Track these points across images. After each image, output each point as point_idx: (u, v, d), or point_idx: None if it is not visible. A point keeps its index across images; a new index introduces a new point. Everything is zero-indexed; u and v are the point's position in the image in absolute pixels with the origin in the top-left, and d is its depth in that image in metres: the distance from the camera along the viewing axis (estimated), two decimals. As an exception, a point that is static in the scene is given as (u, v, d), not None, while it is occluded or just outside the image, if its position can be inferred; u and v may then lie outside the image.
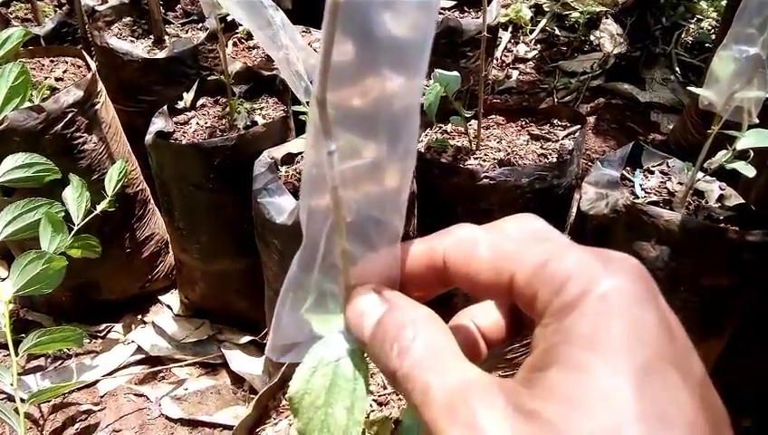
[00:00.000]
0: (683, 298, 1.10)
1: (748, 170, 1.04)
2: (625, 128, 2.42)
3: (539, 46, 2.86)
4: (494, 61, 2.78)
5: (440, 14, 1.82)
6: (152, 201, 1.67)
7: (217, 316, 1.61)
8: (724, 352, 1.20)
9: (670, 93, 2.52)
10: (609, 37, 2.79)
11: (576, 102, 2.52)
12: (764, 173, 1.26)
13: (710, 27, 2.86)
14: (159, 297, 1.72)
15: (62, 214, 1.34)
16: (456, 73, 1.27)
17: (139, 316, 1.68)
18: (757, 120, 0.99)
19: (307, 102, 1.17)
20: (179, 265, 1.59)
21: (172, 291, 1.75)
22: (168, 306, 1.70)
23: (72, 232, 1.34)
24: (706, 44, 2.74)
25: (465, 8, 1.90)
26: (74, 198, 1.36)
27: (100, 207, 1.40)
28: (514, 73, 2.72)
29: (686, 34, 2.82)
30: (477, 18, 1.77)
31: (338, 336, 0.57)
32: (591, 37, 2.83)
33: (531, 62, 2.80)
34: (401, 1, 0.45)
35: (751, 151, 1.06)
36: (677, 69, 2.62)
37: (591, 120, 2.45)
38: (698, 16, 2.90)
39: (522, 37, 2.91)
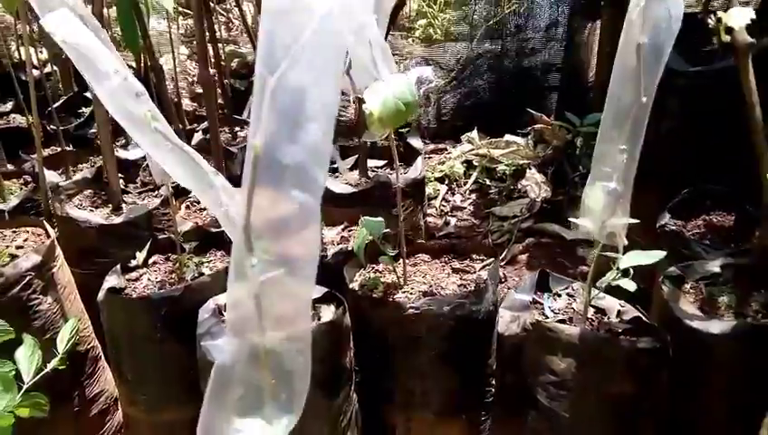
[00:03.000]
0: (594, 408, 1.20)
1: (629, 285, 1.21)
2: (555, 263, 2.61)
3: (473, 196, 3.15)
4: (434, 210, 3.03)
5: (372, 171, 2.06)
6: (103, 358, 1.73)
7: (165, 472, 1.60)
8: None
9: (593, 230, 2.76)
10: (535, 185, 3.10)
11: (510, 243, 2.74)
12: (655, 290, 1.43)
13: (622, 171, 3.21)
14: (107, 457, 1.70)
15: (13, 373, 1.39)
16: (380, 219, 1.45)
17: (85, 479, 1.65)
18: (626, 242, 1.17)
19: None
20: (127, 419, 1.61)
21: (120, 451, 1.74)
22: (115, 466, 1.68)
23: (22, 390, 1.38)
24: (620, 186, 3.06)
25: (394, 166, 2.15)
26: (26, 356, 1.42)
27: (50, 365, 1.45)
28: (452, 220, 2.96)
29: (602, 178, 3.15)
30: (405, 173, 2.01)
31: (260, 427, 0.68)
32: (519, 185, 3.14)
33: (467, 210, 3.06)
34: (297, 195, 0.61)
35: (631, 270, 1.22)
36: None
37: (524, 257, 2.65)
38: (611, 163, 3.26)
39: (457, 188, 3.20)
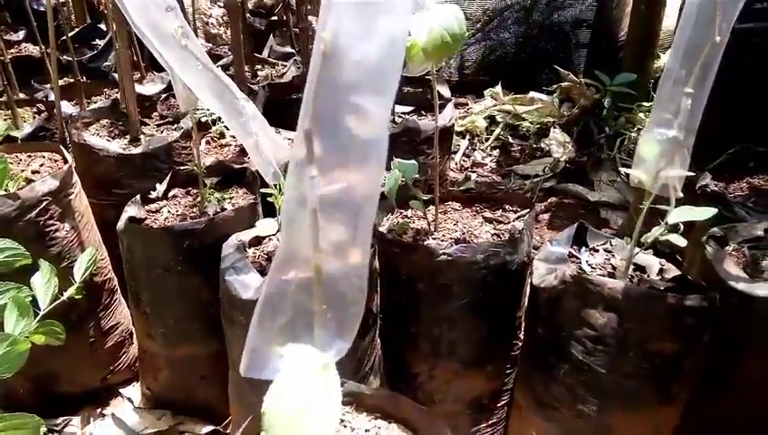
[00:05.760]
0: (633, 364, 1.15)
1: (679, 241, 1.15)
2: (577, 224, 2.55)
3: (494, 153, 3.07)
4: (454, 164, 2.96)
5: (399, 117, 1.98)
6: (119, 291, 1.69)
7: (180, 407, 1.58)
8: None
9: (617, 193, 2.70)
10: (558, 144, 3.02)
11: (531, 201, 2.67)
12: (700, 250, 1.37)
13: (648, 135, 3.11)
14: (120, 390, 1.69)
15: (30, 299, 1.35)
16: (413, 162, 1.38)
17: (99, 410, 1.63)
18: (681, 195, 1.10)
19: (275, 185, 1.26)
20: (143, 353, 1.58)
21: (134, 384, 1.72)
22: (129, 399, 1.66)
23: (38, 317, 1.34)
24: (646, 150, 2.97)
25: (422, 112, 2.08)
26: (42, 283, 1.38)
27: (67, 294, 1.40)
28: (473, 176, 2.89)
29: (628, 142, 3.06)
30: (433, 120, 1.93)
31: (311, 352, 0.62)
32: (542, 144, 3.05)
33: (488, 167, 2.99)
34: (364, 105, 0.55)
35: (681, 225, 1.16)
36: (622, 171, 2.82)
37: (546, 216, 2.59)
38: (638, 126, 3.17)
39: (478, 145, 3.12)
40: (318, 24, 0.54)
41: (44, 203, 1.39)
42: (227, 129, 1.86)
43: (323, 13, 0.52)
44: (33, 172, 1.53)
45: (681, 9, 2.05)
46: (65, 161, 1.53)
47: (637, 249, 1.23)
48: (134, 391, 1.70)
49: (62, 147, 1.58)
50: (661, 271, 1.28)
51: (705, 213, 1.15)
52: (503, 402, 1.49)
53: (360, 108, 0.55)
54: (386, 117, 0.56)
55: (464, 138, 3.16)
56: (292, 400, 0.56)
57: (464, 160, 3.03)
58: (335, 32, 0.52)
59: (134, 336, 1.73)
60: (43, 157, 1.60)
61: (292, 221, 0.60)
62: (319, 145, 0.55)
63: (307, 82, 0.55)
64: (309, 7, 2.05)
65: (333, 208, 0.59)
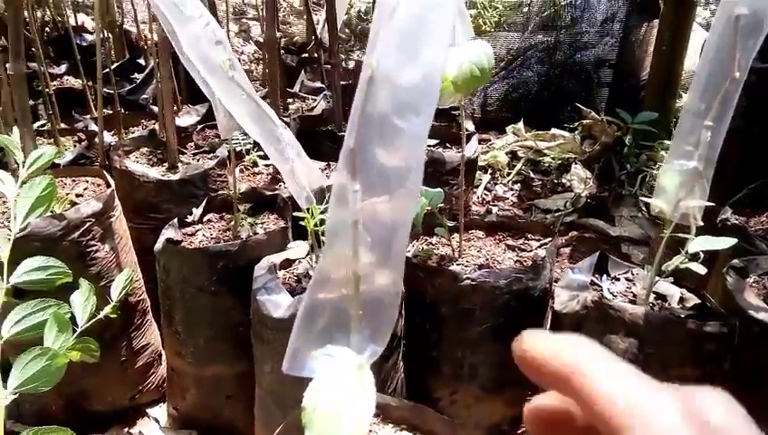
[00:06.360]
0: (654, 390, 1.16)
1: (699, 269, 1.17)
2: (599, 258, 2.57)
3: (516, 187, 3.12)
4: (476, 198, 3.01)
5: (425, 149, 2.05)
6: (150, 313, 1.75)
7: (205, 427, 1.61)
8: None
9: (638, 228, 2.72)
10: (579, 180, 3.06)
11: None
12: (720, 279, 1.39)
13: (670, 173, 3.14)
14: (147, 410, 1.73)
15: (69, 316, 1.41)
16: (439, 190, 1.43)
17: (126, 429, 1.67)
18: (701, 223, 1.13)
19: (307, 209, 1.32)
20: (171, 372, 1.63)
21: (161, 405, 1.76)
22: (156, 419, 1.70)
23: (75, 334, 1.40)
24: (668, 187, 2.99)
25: (447, 145, 2.14)
26: (81, 301, 1.44)
27: (104, 312, 1.47)
28: (494, 210, 2.94)
29: (650, 179, 3.09)
30: (459, 152, 1.99)
31: (347, 354, 0.67)
32: (563, 180, 3.09)
33: (509, 201, 3.03)
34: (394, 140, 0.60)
35: (701, 253, 1.19)
36: (643, 208, 2.84)
37: (567, 250, 2.61)
38: (659, 163, 3.20)
39: (500, 179, 3.17)
40: (366, 52, 0.60)
41: (87, 224, 1.46)
42: (260, 158, 1.94)
43: (371, 42, 0.59)
44: (77, 195, 1.61)
45: (703, 48, 2.12)
46: (108, 185, 1.62)
47: (657, 278, 1.26)
48: (161, 412, 1.74)
49: (104, 171, 1.66)
50: (682, 299, 1.30)
51: (724, 242, 1.18)
52: (523, 429, 1.50)
53: (399, 128, 0.60)
54: (424, 136, 0.62)
55: (486, 172, 3.22)
56: (330, 396, 0.60)
57: (485, 194, 3.08)
58: (380, 58, 0.58)
59: (163, 357, 1.78)
60: (87, 181, 1.69)
61: (336, 230, 0.64)
62: (360, 162, 0.61)
63: (353, 107, 0.61)
64: (352, 44, 2.14)
65: (375, 216, 0.64)
